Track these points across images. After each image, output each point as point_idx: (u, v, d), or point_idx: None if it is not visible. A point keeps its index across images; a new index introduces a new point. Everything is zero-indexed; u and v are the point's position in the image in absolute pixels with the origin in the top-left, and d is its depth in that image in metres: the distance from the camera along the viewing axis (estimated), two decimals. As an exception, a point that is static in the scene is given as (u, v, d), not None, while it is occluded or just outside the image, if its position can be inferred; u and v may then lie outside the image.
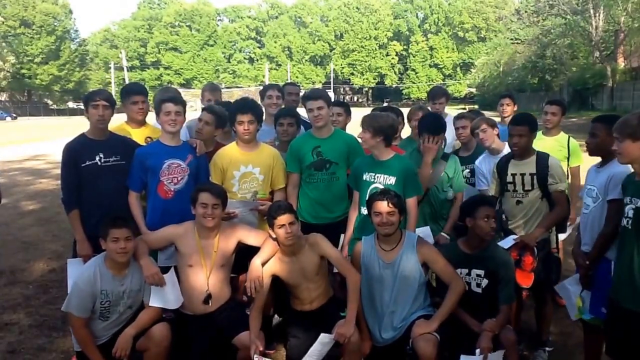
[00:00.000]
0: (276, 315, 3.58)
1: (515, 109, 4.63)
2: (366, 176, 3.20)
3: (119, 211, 2.99)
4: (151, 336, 2.75)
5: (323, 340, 2.75)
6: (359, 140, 3.36)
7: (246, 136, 3.25)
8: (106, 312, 2.79)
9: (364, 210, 3.19)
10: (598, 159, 2.80)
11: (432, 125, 3.38)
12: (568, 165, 3.92)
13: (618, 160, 2.46)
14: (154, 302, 2.85)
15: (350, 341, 2.75)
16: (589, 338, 2.91)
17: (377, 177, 3.17)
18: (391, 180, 3.14)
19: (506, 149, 3.53)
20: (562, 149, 3.86)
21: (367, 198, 3.10)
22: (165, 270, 2.94)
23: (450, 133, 3.89)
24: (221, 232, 2.98)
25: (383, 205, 2.80)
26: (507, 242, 3.06)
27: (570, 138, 4.03)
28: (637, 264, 2.28)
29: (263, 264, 2.92)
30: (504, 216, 3.22)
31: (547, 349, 3.31)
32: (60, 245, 5.77)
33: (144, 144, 3.40)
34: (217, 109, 3.61)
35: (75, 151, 3.11)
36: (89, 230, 3.06)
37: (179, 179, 3.15)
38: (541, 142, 3.91)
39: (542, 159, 3.15)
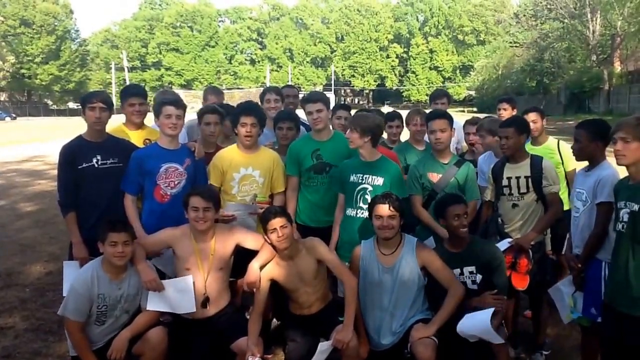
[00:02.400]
0: (274, 319, 3.57)
1: (515, 112, 4.61)
2: (353, 178, 3.19)
3: (116, 214, 2.98)
4: (147, 340, 2.74)
5: (322, 349, 2.75)
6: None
7: (248, 139, 3.24)
8: (102, 316, 2.78)
9: (351, 212, 3.20)
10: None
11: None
12: (564, 170, 3.86)
13: (618, 162, 2.44)
14: (152, 306, 2.84)
15: (349, 346, 2.75)
16: (587, 340, 2.91)
17: (365, 178, 3.17)
18: (379, 181, 3.15)
19: None
20: (554, 155, 3.82)
21: (355, 199, 3.15)
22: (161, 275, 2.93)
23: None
24: (218, 235, 2.97)
25: (384, 209, 2.80)
26: (502, 245, 3.08)
27: (560, 142, 3.93)
28: (633, 268, 2.30)
29: (261, 268, 2.91)
30: (500, 220, 3.22)
31: (544, 352, 3.31)
32: (58, 247, 5.73)
33: (142, 146, 3.38)
34: (212, 106, 3.64)
35: (72, 153, 3.10)
36: (86, 233, 3.04)
37: (176, 183, 3.14)
38: (532, 152, 3.89)
39: (536, 161, 3.19)
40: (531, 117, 3.91)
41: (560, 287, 2.97)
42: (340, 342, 2.73)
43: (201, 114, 3.58)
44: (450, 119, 3.39)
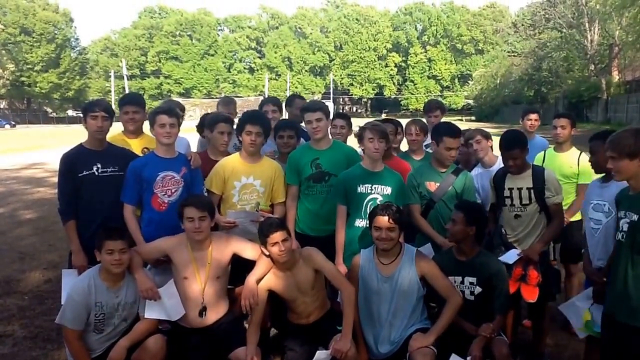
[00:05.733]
0: (273, 328, 3.56)
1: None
2: (361, 188, 3.19)
3: (116, 222, 2.98)
4: (146, 348, 2.74)
5: (319, 357, 2.75)
6: (360, 152, 3.34)
7: (251, 148, 3.26)
8: (101, 324, 2.77)
9: (359, 223, 3.20)
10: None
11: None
12: (578, 182, 3.78)
13: (614, 178, 2.48)
14: (150, 314, 2.84)
15: (347, 355, 2.75)
16: (590, 351, 2.91)
17: (375, 188, 3.18)
18: (388, 190, 3.18)
19: (498, 162, 3.55)
20: (572, 166, 3.78)
21: (364, 210, 3.13)
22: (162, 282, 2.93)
23: None
24: (215, 243, 2.97)
25: (384, 221, 2.81)
26: (511, 257, 3.05)
27: (582, 155, 3.81)
28: (632, 278, 2.30)
29: (258, 281, 2.91)
30: (503, 231, 3.20)
31: (544, 361, 3.30)
32: (57, 255, 5.73)
33: (141, 154, 3.39)
34: (219, 115, 3.68)
35: (73, 161, 3.11)
36: (85, 241, 3.04)
37: (173, 191, 3.14)
38: (553, 159, 3.86)
39: (538, 172, 3.17)
40: (561, 122, 3.90)
41: (576, 303, 2.92)
42: (338, 352, 2.73)
43: (215, 122, 3.56)
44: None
